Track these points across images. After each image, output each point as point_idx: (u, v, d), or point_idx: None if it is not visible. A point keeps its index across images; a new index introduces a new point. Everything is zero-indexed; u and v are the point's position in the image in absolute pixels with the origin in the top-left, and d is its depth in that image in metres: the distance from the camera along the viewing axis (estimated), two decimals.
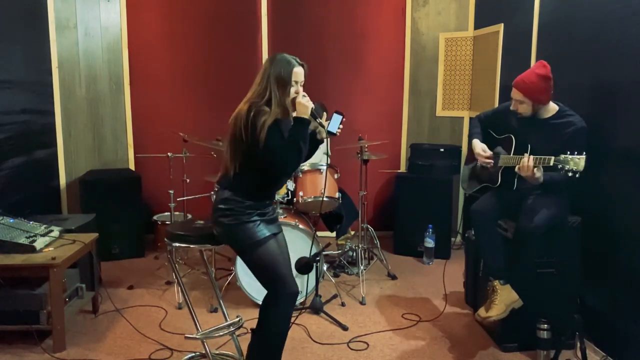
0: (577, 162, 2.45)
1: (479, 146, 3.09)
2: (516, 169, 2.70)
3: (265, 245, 2.34)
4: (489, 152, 3.04)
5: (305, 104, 2.27)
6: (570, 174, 2.47)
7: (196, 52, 4.81)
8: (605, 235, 2.87)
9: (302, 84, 2.35)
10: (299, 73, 2.31)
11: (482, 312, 2.84)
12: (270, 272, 2.35)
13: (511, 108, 2.90)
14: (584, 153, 2.46)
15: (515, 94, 2.84)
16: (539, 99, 2.79)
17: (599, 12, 2.92)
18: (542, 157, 2.59)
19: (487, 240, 2.92)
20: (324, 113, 2.48)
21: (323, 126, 2.34)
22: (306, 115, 2.26)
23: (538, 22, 3.63)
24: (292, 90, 2.30)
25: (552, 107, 2.84)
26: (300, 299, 3.50)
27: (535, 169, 2.61)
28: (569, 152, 2.48)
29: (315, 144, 2.47)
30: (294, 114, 2.31)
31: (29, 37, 4.13)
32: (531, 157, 2.63)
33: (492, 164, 3.02)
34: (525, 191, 2.85)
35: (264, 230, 2.36)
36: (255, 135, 2.21)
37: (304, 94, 2.32)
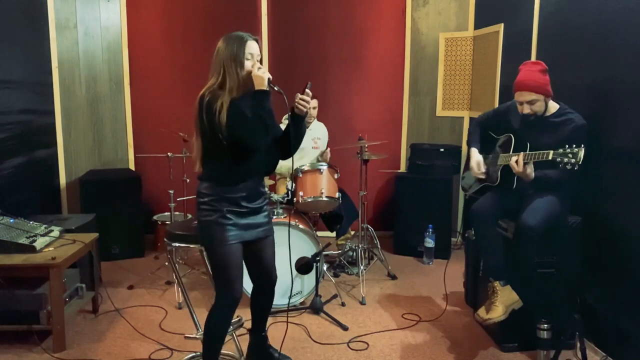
0: (575, 153, 2.47)
1: (475, 160, 3.08)
2: (510, 166, 2.72)
3: (226, 248, 2.34)
4: (483, 170, 3.05)
5: (260, 75, 2.24)
6: (569, 167, 2.49)
7: (196, 52, 4.81)
8: (605, 235, 2.86)
9: (259, 57, 2.34)
10: (252, 46, 2.31)
11: (482, 312, 2.84)
12: (221, 273, 2.38)
13: (524, 112, 2.82)
14: (582, 145, 2.48)
15: (526, 95, 2.78)
16: (548, 92, 2.79)
17: (599, 13, 2.92)
18: (539, 152, 2.62)
19: (487, 240, 2.92)
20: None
21: (282, 93, 2.29)
22: (263, 86, 2.24)
23: (538, 22, 3.63)
24: (249, 64, 2.29)
25: (553, 105, 2.85)
26: (300, 299, 3.50)
27: (526, 165, 2.65)
28: (567, 146, 2.51)
29: (299, 124, 2.41)
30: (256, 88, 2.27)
31: (29, 37, 4.13)
32: (521, 154, 2.67)
33: (485, 177, 3.05)
34: (525, 190, 2.85)
35: (232, 234, 2.35)
36: (214, 120, 2.21)
37: (260, 66, 2.30)
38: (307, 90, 2.33)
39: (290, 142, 2.38)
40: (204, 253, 2.73)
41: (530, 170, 2.67)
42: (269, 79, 2.25)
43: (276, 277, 2.61)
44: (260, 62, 2.36)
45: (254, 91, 2.25)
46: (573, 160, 2.48)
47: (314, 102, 4.16)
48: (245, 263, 2.53)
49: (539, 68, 2.79)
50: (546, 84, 2.78)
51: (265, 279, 2.58)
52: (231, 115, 2.20)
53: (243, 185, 2.36)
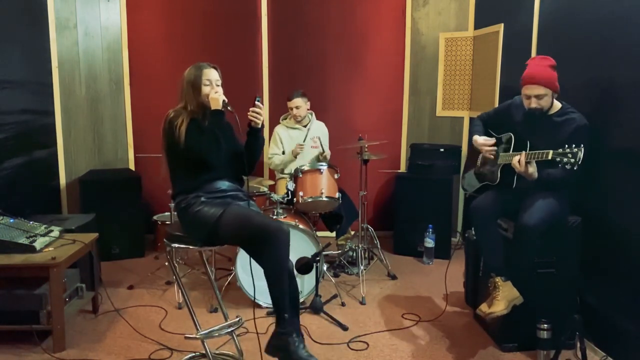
0: (575, 153, 2.47)
1: (481, 137, 3.08)
2: (512, 166, 2.71)
3: (228, 211, 2.43)
4: (492, 140, 3.03)
5: (216, 98, 2.50)
6: (568, 167, 2.49)
7: (196, 52, 4.80)
8: (605, 235, 2.86)
9: (219, 83, 2.60)
10: (209, 73, 2.58)
11: (484, 307, 2.83)
12: (247, 227, 2.40)
13: (531, 106, 2.79)
14: (582, 146, 2.48)
15: (535, 89, 2.76)
16: (557, 87, 2.79)
17: (599, 12, 2.92)
18: (539, 151, 2.61)
19: (487, 237, 2.92)
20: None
21: (234, 113, 2.51)
22: (218, 107, 2.49)
23: (538, 22, 3.63)
24: (207, 89, 2.56)
25: (556, 104, 2.85)
26: (300, 299, 3.50)
27: (528, 164, 2.64)
28: (566, 145, 2.50)
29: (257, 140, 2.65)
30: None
31: (29, 37, 4.13)
32: (523, 152, 2.66)
33: (495, 154, 3.02)
34: (525, 190, 2.85)
35: (222, 203, 2.47)
36: (174, 136, 2.47)
37: (217, 90, 2.56)
38: (256, 102, 2.55)
39: (247, 154, 2.62)
40: (204, 255, 2.74)
41: (533, 170, 2.66)
42: (224, 100, 2.50)
43: (291, 266, 2.56)
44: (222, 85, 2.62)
45: (210, 111, 2.52)
46: (572, 160, 2.48)
47: (297, 102, 4.15)
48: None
49: (549, 63, 2.78)
50: (555, 79, 2.78)
51: None
52: (188, 131, 2.46)
53: (214, 184, 2.54)
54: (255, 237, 2.39)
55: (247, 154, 2.63)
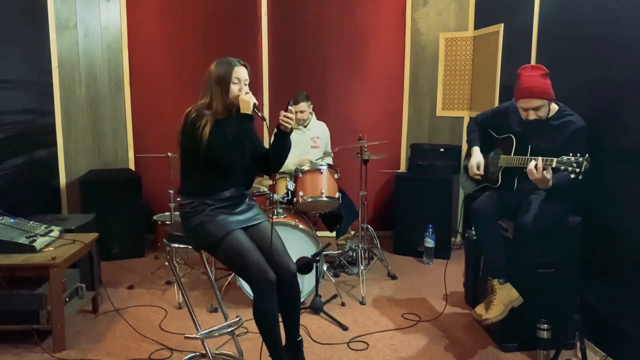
0: (580, 163, 2.41)
1: (475, 160, 3.07)
2: (528, 172, 2.59)
3: (230, 236, 2.37)
4: (481, 172, 3.05)
5: (246, 100, 2.36)
6: (572, 176, 2.42)
7: (196, 52, 4.81)
8: (605, 235, 2.86)
9: (247, 82, 2.47)
10: (240, 71, 2.44)
11: (480, 310, 2.83)
12: (240, 263, 2.35)
13: (529, 118, 2.77)
14: (587, 155, 2.43)
15: (533, 102, 2.72)
16: (552, 96, 2.75)
17: (599, 12, 2.92)
18: (545, 158, 2.54)
19: (487, 238, 2.92)
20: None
21: (265, 119, 2.45)
22: (248, 110, 2.36)
23: (538, 22, 3.63)
24: (236, 88, 2.43)
25: (553, 107, 2.83)
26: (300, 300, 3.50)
27: (545, 171, 2.53)
28: (571, 154, 2.45)
29: (286, 144, 2.56)
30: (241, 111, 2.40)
31: (29, 37, 4.13)
32: (539, 158, 2.54)
33: (481, 177, 3.05)
34: (526, 192, 2.84)
35: (226, 222, 2.41)
36: (196, 136, 2.35)
37: (247, 90, 2.43)
38: (289, 107, 2.47)
39: (273, 158, 2.54)
40: (205, 255, 2.74)
41: (550, 176, 2.53)
42: (254, 104, 2.37)
43: (294, 267, 2.49)
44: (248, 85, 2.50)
45: (238, 114, 2.39)
46: (577, 170, 2.41)
47: (303, 107, 4.15)
48: None
49: (541, 73, 2.73)
50: (549, 88, 2.74)
51: (279, 269, 2.40)
52: (212, 135, 2.34)
53: (222, 193, 2.47)
54: (242, 275, 2.40)
55: (275, 156, 2.54)
